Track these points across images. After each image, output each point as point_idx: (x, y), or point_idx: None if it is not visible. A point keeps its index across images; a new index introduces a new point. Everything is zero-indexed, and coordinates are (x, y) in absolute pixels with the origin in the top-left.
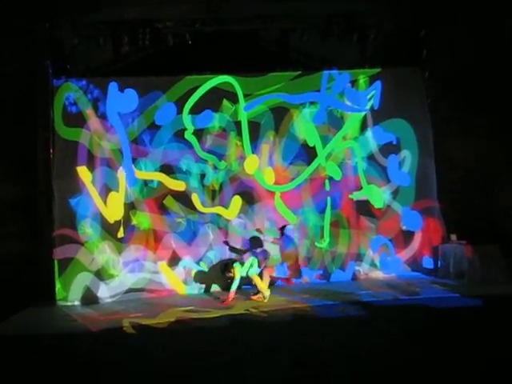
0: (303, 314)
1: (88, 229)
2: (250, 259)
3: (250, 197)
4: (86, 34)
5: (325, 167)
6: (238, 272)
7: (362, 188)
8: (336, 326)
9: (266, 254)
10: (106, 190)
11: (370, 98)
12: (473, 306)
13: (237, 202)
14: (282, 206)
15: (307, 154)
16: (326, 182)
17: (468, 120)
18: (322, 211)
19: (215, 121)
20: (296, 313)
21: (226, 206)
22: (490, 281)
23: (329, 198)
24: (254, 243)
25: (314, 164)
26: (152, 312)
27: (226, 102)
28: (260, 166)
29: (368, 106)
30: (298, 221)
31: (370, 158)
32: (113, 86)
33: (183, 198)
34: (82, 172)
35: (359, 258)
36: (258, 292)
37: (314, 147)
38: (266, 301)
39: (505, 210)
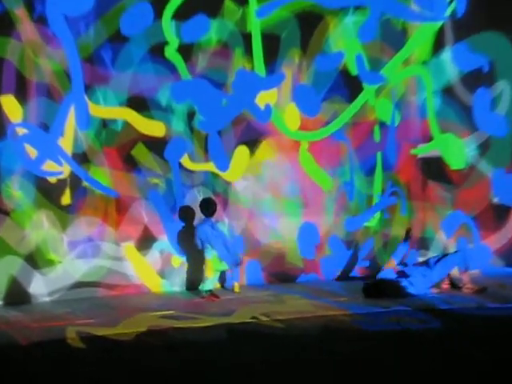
0: (338, 326)
1: (16, 191)
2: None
3: (262, 148)
4: None
5: (374, 107)
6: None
7: (431, 139)
8: (388, 345)
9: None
10: None
11: (451, 1)
12: None
13: (242, 155)
14: (311, 163)
15: (348, 85)
16: (376, 129)
17: None
18: (370, 173)
19: (212, 31)
20: (327, 323)
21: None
22: None
23: (379, 154)
24: None
25: (359, 101)
26: (111, 318)
27: (228, 3)
28: (279, 101)
29: (447, 13)
30: (334, 186)
31: (447, 92)
32: None
33: (162, 148)
34: (8, 104)
35: (425, 244)
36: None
37: (358, 76)
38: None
39: None
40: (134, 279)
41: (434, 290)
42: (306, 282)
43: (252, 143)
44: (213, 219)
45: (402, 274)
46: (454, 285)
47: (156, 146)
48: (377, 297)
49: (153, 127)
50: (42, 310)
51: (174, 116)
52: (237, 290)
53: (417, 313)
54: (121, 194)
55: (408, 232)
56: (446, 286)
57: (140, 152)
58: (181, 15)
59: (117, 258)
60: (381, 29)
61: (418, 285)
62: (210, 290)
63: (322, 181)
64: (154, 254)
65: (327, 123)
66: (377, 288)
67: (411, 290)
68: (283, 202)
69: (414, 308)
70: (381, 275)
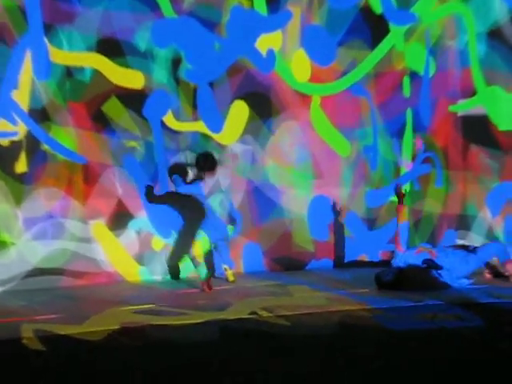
0: (356, 324)
1: None
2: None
3: (264, 104)
4: None
5: (403, 53)
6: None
7: (474, 93)
8: (418, 347)
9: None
10: None
11: None
12: None
13: (239, 112)
14: (324, 123)
15: (371, 26)
16: (406, 80)
17: None
18: (397, 134)
19: None
20: (342, 320)
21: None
22: None
23: (409, 111)
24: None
25: (384, 46)
26: (77, 313)
27: None
28: (284, 46)
29: None
30: (353, 151)
31: (494, 35)
32: None
33: (140, 104)
34: None
35: (465, 223)
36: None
37: (383, 15)
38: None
39: None
40: (105, 265)
41: (473, 280)
42: (317, 270)
43: (252, 98)
44: (210, 180)
45: (431, 263)
46: (498, 274)
47: (133, 100)
48: (395, 288)
49: (129, 77)
50: None
51: (156, 64)
52: (231, 278)
53: (453, 308)
54: (89, 159)
55: (398, 193)
56: (488, 275)
57: (113, 108)
58: None
59: (84, 239)
60: None
61: (455, 273)
62: (204, 278)
63: (338, 145)
64: (130, 234)
65: (344, 73)
66: (399, 277)
67: (445, 279)
68: (290, 170)
69: (449, 302)
70: (399, 262)
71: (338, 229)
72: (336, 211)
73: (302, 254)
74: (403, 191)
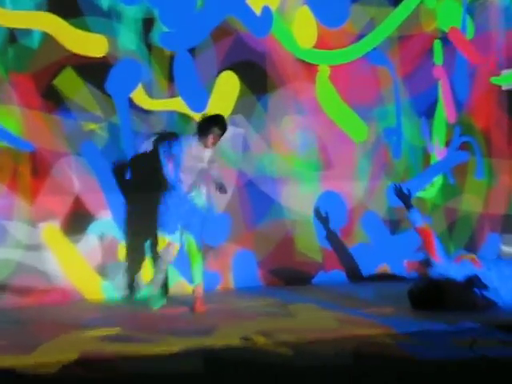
0: (376, 353)
1: None
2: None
3: (259, 76)
4: None
5: (434, 10)
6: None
7: None
8: (455, 381)
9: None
10: None
11: None
12: None
13: (228, 86)
14: (334, 99)
15: None
16: (437, 46)
17: None
18: (427, 113)
19: None
20: (359, 348)
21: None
22: None
23: (440, 84)
24: None
25: (410, 2)
26: (24, 340)
27: None
28: (284, 3)
29: None
30: (371, 135)
31: None
32: None
33: (102, 76)
34: None
35: (511, 225)
36: None
37: None
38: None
39: None
40: (59, 280)
41: None
42: (326, 284)
43: (243, 68)
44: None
45: (475, 281)
46: None
47: (93, 72)
48: (432, 306)
49: (88, 43)
50: None
51: (122, 25)
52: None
53: (495, 331)
54: (38, 146)
55: (400, 195)
56: None
57: (68, 82)
58: None
59: (32, 246)
60: None
61: (502, 294)
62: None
63: (352, 127)
64: (91, 240)
65: (359, 37)
66: (435, 293)
67: (491, 296)
68: (291, 159)
69: (490, 324)
70: (436, 274)
71: (332, 238)
72: (321, 217)
73: (307, 264)
74: (405, 191)
